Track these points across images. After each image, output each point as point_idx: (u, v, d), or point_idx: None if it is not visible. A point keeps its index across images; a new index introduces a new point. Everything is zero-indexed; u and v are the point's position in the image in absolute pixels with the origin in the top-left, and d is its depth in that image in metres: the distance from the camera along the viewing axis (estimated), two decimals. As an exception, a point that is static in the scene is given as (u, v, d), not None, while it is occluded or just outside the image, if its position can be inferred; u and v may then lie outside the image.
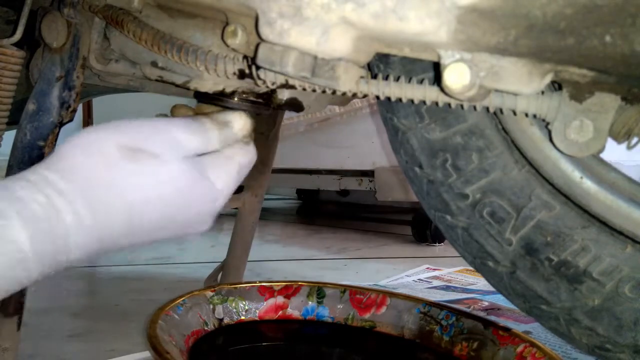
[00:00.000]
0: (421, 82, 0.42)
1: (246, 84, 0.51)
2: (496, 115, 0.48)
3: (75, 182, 0.35)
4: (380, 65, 0.50)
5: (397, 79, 0.44)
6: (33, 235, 0.32)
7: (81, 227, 0.34)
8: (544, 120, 0.41)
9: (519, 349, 0.55)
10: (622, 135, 0.41)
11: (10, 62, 0.57)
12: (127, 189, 0.37)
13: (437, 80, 0.39)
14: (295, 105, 0.55)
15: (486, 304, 0.97)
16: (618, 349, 0.46)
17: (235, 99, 0.52)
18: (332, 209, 2.68)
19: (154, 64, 0.54)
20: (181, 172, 0.39)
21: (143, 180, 0.37)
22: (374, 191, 1.80)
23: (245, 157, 0.45)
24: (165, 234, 0.40)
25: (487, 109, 0.43)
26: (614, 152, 0.45)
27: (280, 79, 0.46)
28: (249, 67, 0.47)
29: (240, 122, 0.46)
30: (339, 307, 0.69)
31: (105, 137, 0.38)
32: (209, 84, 0.52)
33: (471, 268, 0.54)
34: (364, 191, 1.91)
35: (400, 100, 0.43)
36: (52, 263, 0.34)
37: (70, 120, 0.59)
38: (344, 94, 0.44)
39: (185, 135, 0.42)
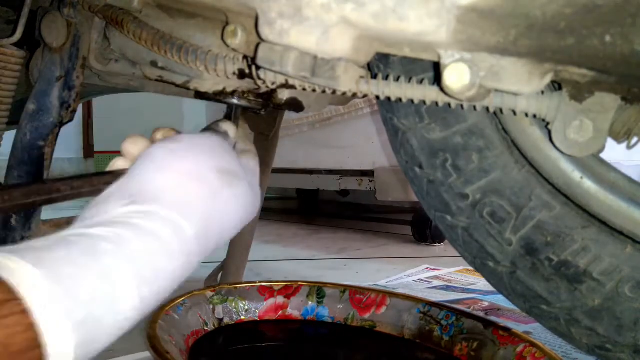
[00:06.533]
0: (421, 82, 0.42)
1: (246, 84, 0.51)
2: (496, 115, 0.48)
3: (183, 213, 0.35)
4: (380, 65, 0.50)
5: (397, 79, 0.44)
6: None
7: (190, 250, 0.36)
8: (544, 120, 0.41)
9: (519, 349, 0.55)
10: (622, 135, 0.41)
11: (10, 62, 0.57)
12: (222, 217, 0.39)
13: (437, 80, 0.39)
14: (295, 105, 0.55)
15: (486, 304, 0.97)
16: (618, 349, 0.46)
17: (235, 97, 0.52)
18: (332, 209, 2.68)
19: (154, 64, 0.54)
20: (249, 186, 0.42)
21: (237, 203, 0.40)
22: (374, 191, 1.80)
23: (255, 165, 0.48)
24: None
25: (487, 109, 0.43)
26: (614, 152, 0.45)
27: (280, 79, 0.46)
28: (249, 67, 0.47)
29: (232, 130, 0.48)
30: (339, 307, 0.69)
31: (204, 162, 0.39)
32: (209, 84, 0.52)
33: (471, 268, 0.54)
34: (364, 191, 1.91)
35: (400, 100, 0.43)
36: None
37: (70, 120, 0.59)
38: (344, 94, 0.44)
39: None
